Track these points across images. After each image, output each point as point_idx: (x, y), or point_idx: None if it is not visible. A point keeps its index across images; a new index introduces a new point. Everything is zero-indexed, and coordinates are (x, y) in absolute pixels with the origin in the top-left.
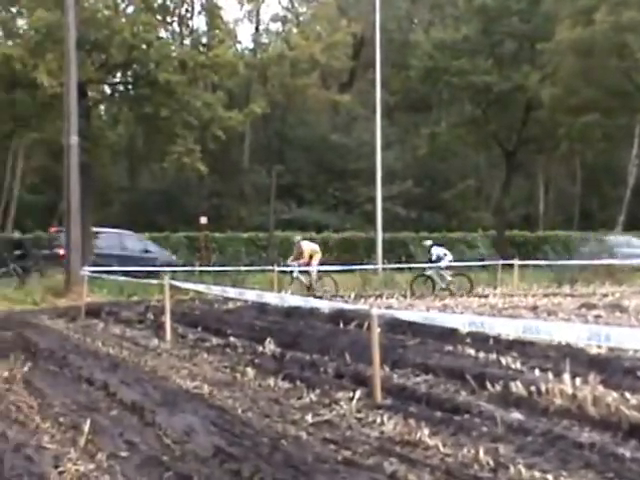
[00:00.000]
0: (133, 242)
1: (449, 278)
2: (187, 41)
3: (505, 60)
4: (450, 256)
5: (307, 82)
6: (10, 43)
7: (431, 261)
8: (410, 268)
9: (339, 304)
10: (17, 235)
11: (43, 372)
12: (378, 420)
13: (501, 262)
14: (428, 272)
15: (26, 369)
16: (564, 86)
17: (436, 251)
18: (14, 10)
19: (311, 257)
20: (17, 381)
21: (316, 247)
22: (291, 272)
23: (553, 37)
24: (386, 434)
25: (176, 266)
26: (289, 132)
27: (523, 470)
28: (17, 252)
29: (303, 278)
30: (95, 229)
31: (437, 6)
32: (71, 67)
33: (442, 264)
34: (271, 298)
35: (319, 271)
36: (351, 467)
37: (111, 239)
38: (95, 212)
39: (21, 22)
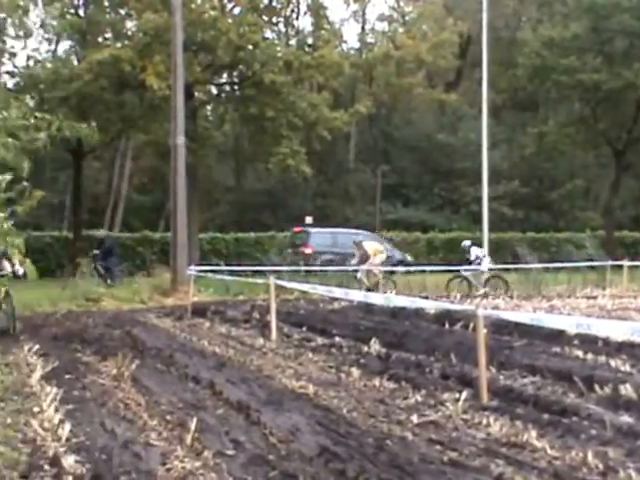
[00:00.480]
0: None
1: (483, 279)
2: (293, 41)
3: (615, 58)
4: (488, 257)
5: (413, 81)
6: (119, 45)
7: (469, 262)
8: (516, 269)
9: (445, 304)
10: (103, 233)
11: (150, 370)
12: (484, 421)
13: (610, 263)
14: (465, 273)
15: (134, 367)
16: None
17: (475, 252)
18: (123, 12)
19: (375, 255)
20: (125, 379)
21: (380, 246)
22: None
23: None
24: (492, 435)
25: (408, 265)
26: (394, 132)
27: (633, 474)
28: (96, 251)
29: (365, 279)
30: (309, 229)
31: (545, 3)
32: (178, 68)
33: (482, 266)
34: (377, 298)
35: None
36: (457, 468)
37: (325, 237)
38: (201, 212)
39: (130, 24)
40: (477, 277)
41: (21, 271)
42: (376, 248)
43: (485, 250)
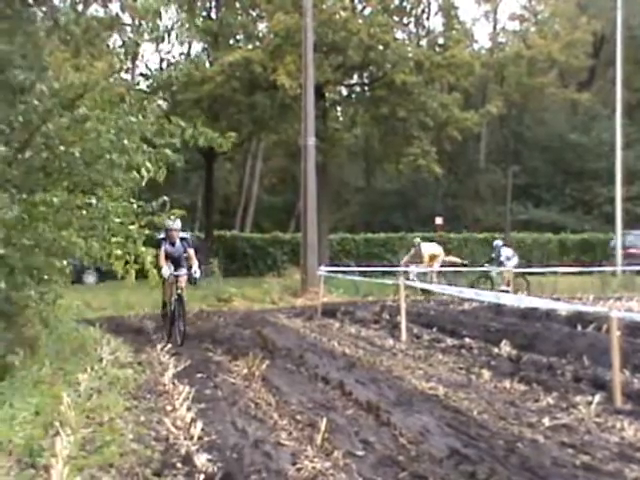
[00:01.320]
0: None
1: (506, 279)
2: (423, 42)
3: None
4: (517, 257)
5: (545, 81)
6: (250, 46)
7: (499, 261)
8: None
9: (577, 306)
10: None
11: (280, 370)
12: (618, 425)
13: None
14: (491, 272)
15: (264, 367)
16: None
17: (505, 252)
18: (254, 14)
19: (432, 259)
20: (255, 378)
21: (437, 249)
22: (406, 274)
23: None
24: (627, 440)
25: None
26: (526, 132)
27: None
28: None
29: (418, 282)
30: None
31: None
32: (309, 69)
33: (509, 265)
34: (507, 299)
35: (439, 272)
36: (590, 472)
37: None
38: (331, 212)
39: (261, 26)
40: (500, 275)
41: (198, 274)
42: (433, 251)
43: (513, 251)
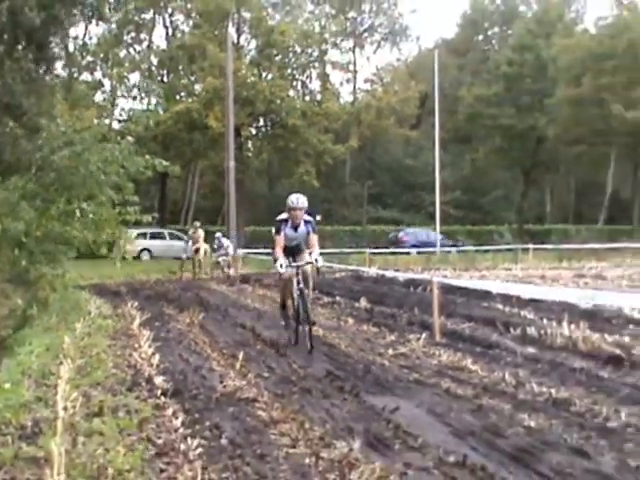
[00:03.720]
0: None
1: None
2: (307, 97)
3: (522, 108)
4: (232, 246)
5: (388, 123)
6: (190, 100)
7: (220, 249)
8: (457, 250)
9: (410, 274)
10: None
11: (212, 319)
12: (437, 353)
13: (520, 246)
14: (219, 259)
15: (201, 317)
16: (562, 127)
17: (225, 242)
18: (192, 78)
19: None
20: (195, 325)
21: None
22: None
23: (555, 94)
24: (442, 362)
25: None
26: (377, 158)
27: (535, 387)
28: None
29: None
30: None
31: (476, 72)
32: (230, 115)
33: (229, 252)
34: (365, 270)
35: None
36: (419, 385)
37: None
38: (245, 211)
39: (197, 86)
40: (225, 260)
41: (320, 262)
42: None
43: (229, 241)
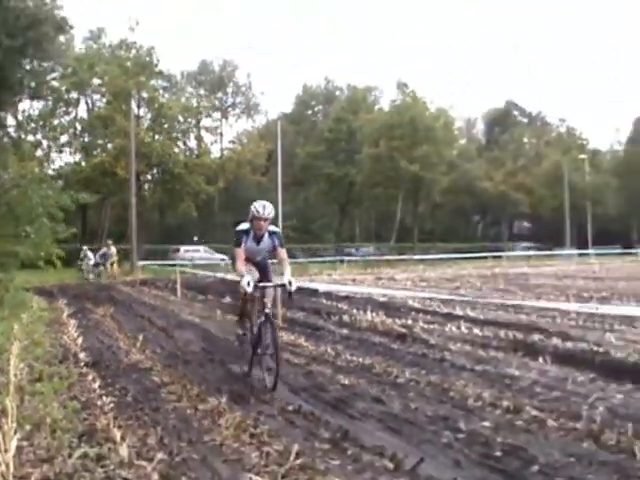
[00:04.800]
0: None
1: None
2: (187, 153)
3: (339, 162)
4: (92, 257)
5: (245, 171)
6: (104, 154)
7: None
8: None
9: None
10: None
11: (120, 312)
12: (280, 334)
13: (338, 258)
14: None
15: (112, 311)
16: (366, 175)
17: (90, 254)
18: (106, 139)
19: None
20: (107, 316)
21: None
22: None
23: (361, 152)
24: (284, 341)
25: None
26: (237, 195)
27: (348, 357)
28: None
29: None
30: None
31: (307, 136)
32: (132, 165)
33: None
34: (229, 276)
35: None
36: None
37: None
38: (143, 234)
39: (109, 145)
40: (88, 268)
41: (294, 285)
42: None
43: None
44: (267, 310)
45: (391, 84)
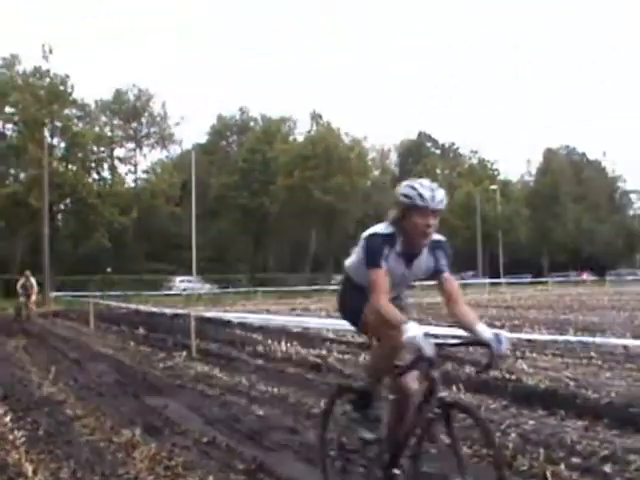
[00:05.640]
0: None
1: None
2: (101, 183)
3: (254, 192)
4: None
5: (159, 201)
6: (16, 184)
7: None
8: (212, 293)
9: (177, 310)
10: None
11: (32, 344)
12: (194, 365)
13: (252, 288)
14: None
15: (24, 342)
16: (281, 206)
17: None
18: (19, 169)
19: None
20: (20, 348)
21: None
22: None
23: (276, 182)
24: (199, 372)
25: None
26: (150, 225)
27: (263, 387)
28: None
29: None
30: None
31: (221, 166)
32: (45, 195)
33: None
34: (142, 307)
35: None
36: (182, 388)
37: None
38: (56, 265)
39: (22, 174)
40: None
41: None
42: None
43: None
44: (443, 394)
45: (305, 114)
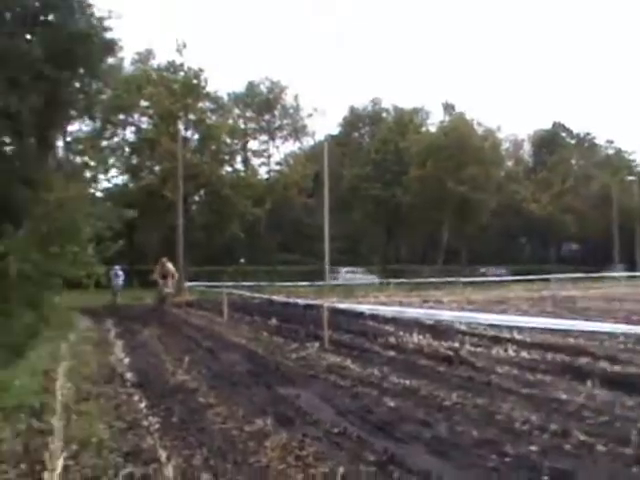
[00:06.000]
0: None
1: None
2: (234, 175)
3: (386, 183)
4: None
5: (292, 193)
6: (151, 176)
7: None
8: (342, 284)
9: (308, 301)
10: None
11: (167, 334)
12: (326, 356)
13: (385, 280)
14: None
15: (159, 332)
16: (413, 196)
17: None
18: (154, 162)
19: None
20: (155, 337)
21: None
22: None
23: (408, 173)
24: (331, 363)
25: None
26: (283, 217)
27: (394, 379)
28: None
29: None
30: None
31: (354, 158)
32: (180, 187)
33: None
34: (275, 297)
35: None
36: (314, 378)
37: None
38: (190, 256)
39: (157, 167)
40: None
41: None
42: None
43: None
44: None
45: (437, 105)
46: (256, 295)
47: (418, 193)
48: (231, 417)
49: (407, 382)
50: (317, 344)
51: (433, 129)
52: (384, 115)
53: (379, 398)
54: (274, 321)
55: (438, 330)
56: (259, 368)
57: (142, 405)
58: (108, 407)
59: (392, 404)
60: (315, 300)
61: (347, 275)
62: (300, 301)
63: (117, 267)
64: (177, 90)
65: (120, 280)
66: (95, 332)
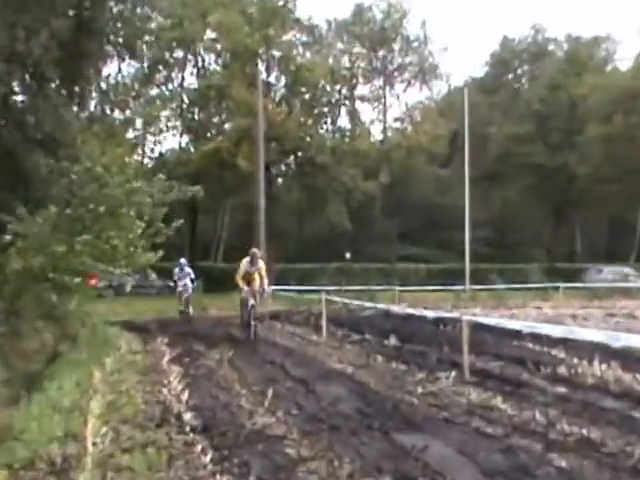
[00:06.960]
0: None
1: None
2: (336, 135)
3: (553, 147)
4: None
5: (417, 161)
6: (220, 138)
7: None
8: (487, 289)
9: (440, 312)
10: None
11: (241, 356)
12: (466, 391)
13: (550, 285)
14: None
15: (230, 354)
16: (593, 165)
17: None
18: (223, 116)
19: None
20: (224, 362)
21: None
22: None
23: (585, 132)
24: (472, 401)
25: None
26: (406, 195)
27: (566, 427)
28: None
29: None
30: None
31: (506, 110)
32: (260, 154)
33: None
34: (394, 308)
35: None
36: (448, 423)
37: None
38: (274, 249)
39: (227, 125)
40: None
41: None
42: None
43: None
44: None
45: (630, 32)
46: (367, 304)
47: (601, 160)
48: (332, 475)
49: (584, 431)
50: (453, 374)
51: (624, 68)
52: (551, 49)
53: (543, 454)
54: (392, 341)
55: (631, 358)
56: (371, 407)
57: (207, 459)
58: (159, 462)
59: (562, 463)
60: (451, 312)
61: (609, 276)
62: (429, 313)
63: (183, 260)
64: (255, 16)
65: (188, 280)
66: (143, 355)
